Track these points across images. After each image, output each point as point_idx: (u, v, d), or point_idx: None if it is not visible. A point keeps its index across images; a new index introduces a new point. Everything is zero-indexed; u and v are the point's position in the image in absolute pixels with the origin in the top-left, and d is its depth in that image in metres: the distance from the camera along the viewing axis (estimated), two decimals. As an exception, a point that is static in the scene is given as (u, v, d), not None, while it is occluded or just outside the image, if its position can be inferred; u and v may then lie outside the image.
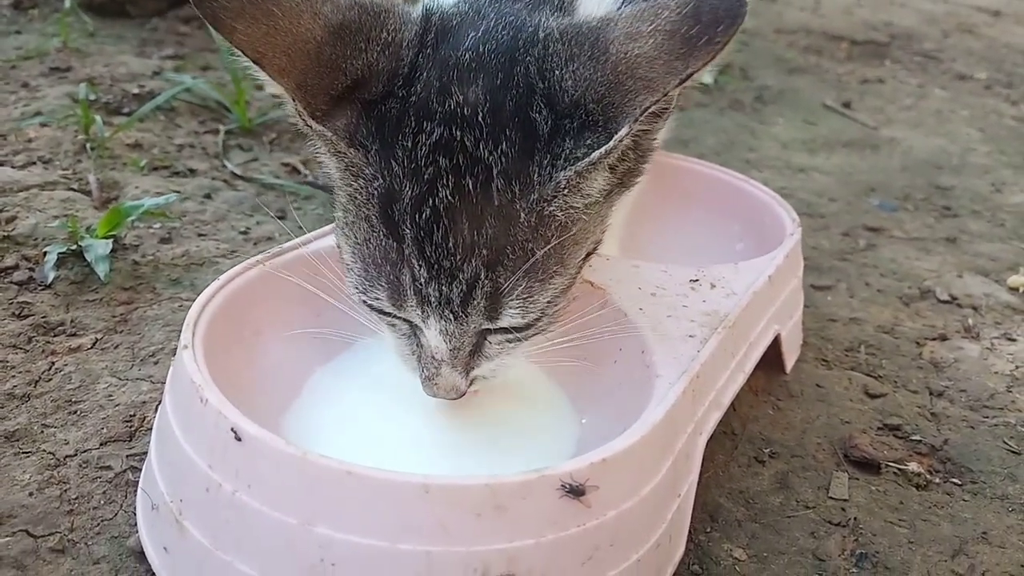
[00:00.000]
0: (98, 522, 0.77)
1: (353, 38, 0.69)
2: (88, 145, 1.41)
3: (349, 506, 0.61)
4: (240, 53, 0.65)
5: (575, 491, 0.62)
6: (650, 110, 0.64)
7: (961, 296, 1.32)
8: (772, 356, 1.02)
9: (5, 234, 1.14)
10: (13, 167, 1.32)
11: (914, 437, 0.97)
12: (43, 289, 1.07)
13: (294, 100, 0.66)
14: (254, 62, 0.65)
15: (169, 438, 0.70)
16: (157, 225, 1.22)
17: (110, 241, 1.10)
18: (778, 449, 0.94)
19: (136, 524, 0.75)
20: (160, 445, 0.73)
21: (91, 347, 0.99)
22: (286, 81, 0.66)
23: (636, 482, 0.68)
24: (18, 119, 1.47)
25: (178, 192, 1.32)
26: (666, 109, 0.66)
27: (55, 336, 1.00)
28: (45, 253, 1.10)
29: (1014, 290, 1.36)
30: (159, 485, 0.70)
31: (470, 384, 0.74)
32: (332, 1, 0.69)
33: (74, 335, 1.01)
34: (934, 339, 1.19)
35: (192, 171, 1.42)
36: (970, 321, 1.23)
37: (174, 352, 0.98)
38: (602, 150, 0.65)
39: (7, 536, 0.74)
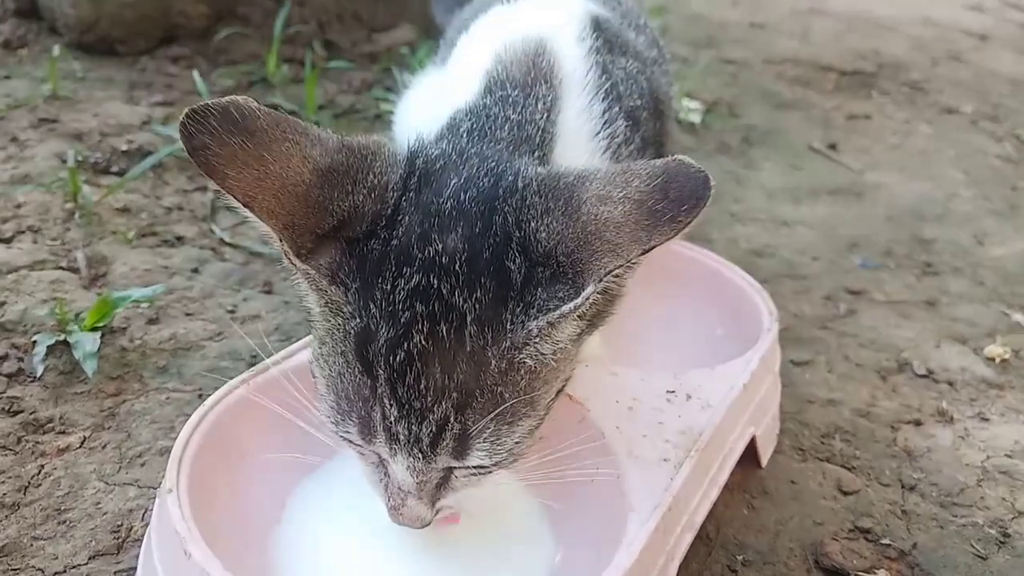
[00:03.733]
0: (86, 649, 0.79)
1: (340, 180, 0.71)
2: (76, 213, 1.42)
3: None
4: (231, 198, 0.66)
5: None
6: (614, 273, 0.66)
7: (938, 370, 1.35)
8: (749, 450, 1.04)
9: (-6, 321, 1.16)
10: (3, 240, 1.33)
11: (884, 540, 0.99)
12: (32, 381, 1.08)
13: (280, 240, 0.68)
14: (244, 205, 0.66)
15: (155, 583, 0.72)
16: (145, 305, 1.24)
17: (98, 336, 1.12)
18: (751, 556, 0.96)
19: (123, 652, 0.77)
20: (146, 587, 0.75)
21: (79, 446, 1.01)
22: (274, 223, 0.67)
23: (607, 629, 0.70)
24: (8, 182, 1.48)
25: (166, 267, 1.33)
26: (636, 263, 0.67)
27: (44, 435, 1.02)
28: (34, 343, 1.12)
29: (991, 360, 1.39)
30: (145, 627, 0.72)
31: (436, 514, 0.76)
32: (321, 144, 0.71)
33: (63, 432, 1.03)
34: (909, 422, 1.21)
35: (180, 239, 1.43)
36: (944, 403, 1.25)
37: (160, 452, 1.01)
38: (571, 305, 0.67)
39: (-3, 669, 0.76)
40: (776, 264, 1.62)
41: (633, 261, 0.65)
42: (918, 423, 1.21)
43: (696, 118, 2.22)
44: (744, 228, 1.75)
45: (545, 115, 0.87)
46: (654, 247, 0.64)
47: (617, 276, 0.67)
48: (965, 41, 3.20)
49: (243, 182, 0.66)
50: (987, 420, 1.23)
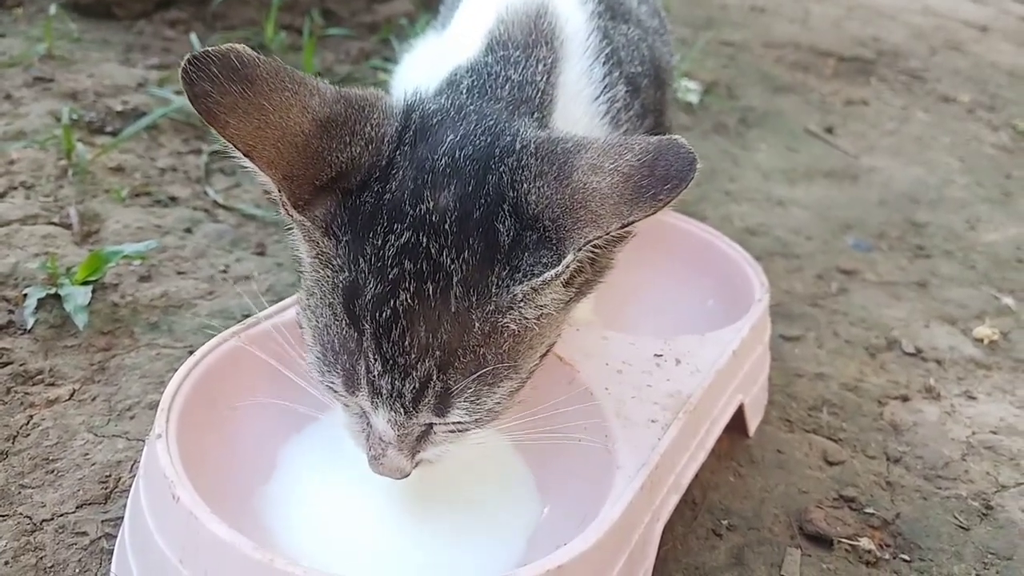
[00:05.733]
0: (73, 593, 0.80)
1: (339, 131, 0.71)
2: (70, 171, 1.41)
3: (313, 612, 0.64)
4: (231, 146, 0.66)
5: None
6: (593, 243, 0.66)
7: (927, 349, 1.35)
8: (737, 419, 1.05)
9: (-15, 273, 1.15)
10: (-6, 194, 1.33)
11: (868, 509, 1.00)
12: (23, 334, 1.08)
13: (279, 191, 0.68)
14: (244, 155, 0.66)
15: (142, 526, 0.72)
16: (137, 263, 1.23)
17: (89, 289, 1.12)
18: (736, 521, 0.97)
19: (109, 597, 0.78)
20: (133, 531, 0.75)
21: (68, 398, 1.01)
22: (273, 173, 0.67)
23: (592, 581, 0.71)
24: (1, 139, 1.47)
25: (159, 226, 1.33)
26: (625, 237, 0.67)
27: (33, 386, 1.02)
28: (25, 296, 1.11)
29: (979, 341, 1.40)
30: (132, 571, 0.73)
31: (415, 465, 0.77)
32: (320, 94, 0.71)
33: (52, 385, 1.02)
34: (896, 398, 1.22)
35: (173, 199, 1.43)
36: (932, 380, 1.26)
37: (150, 406, 1.01)
38: (552, 272, 0.67)
39: (-17, 610, 0.77)
40: (769, 242, 1.63)
41: (612, 234, 0.65)
42: (905, 399, 1.22)
43: (694, 98, 2.22)
44: (738, 207, 1.75)
45: (545, 76, 0.86)
46: (633, 222, 0.64)
47: (597, 247, 0.67)
48: (965, 31, 3.20)
49: (244, 131, 0.66)
50: (974, 398, 1.24)
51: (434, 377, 0.69)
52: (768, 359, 1.14)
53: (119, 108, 1.64)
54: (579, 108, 0.89)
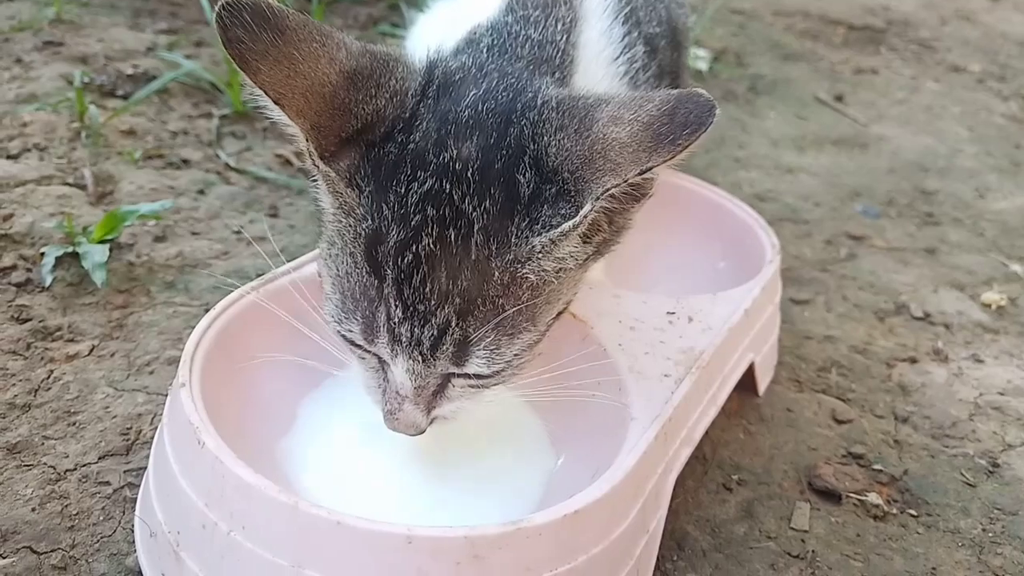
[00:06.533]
0: (98, 539, 0.81)
1: (365, 84, 0.72)
2: (83, 133, 1.42)
3: (337, 553, 0.65)
4: (263, 93, 0.67)
5: None
6: (611, 192, 0.66)
7: (935, 313, 1.36)
8: (747, 379, 1.06)
9: (3, 232, 1.16)
10: (9, 156, 1.33)
11: (876, 466, 1.02)
12: (41, 291, 1.09)
13: (307, 140, 0.69)
14: (275, 102, 0.67)
15: (167, 472, 0.74)
16: (152, 223, 1.24)
17: (106, 247, 1.13)
18: (746, 476, 0.98)
19: (134, 543, 0.79)
20: (158, 477, 0.77)
21: (88, 354, 1.02)
22: (302, 122, 0.68)
23: (607, 528, 0.72)
24: (13, 101, 1.48)
25: (172, 187, 1.34)
26: (644, 195, 0.68)
27: (53, 342, 1.03)
28: (43, 254, 1.12)
29: (987, 307, 1.41)
30: (157, 514, 0.74)
31: (430, 422, 0.78)
32: (346, 47, 0.72)
33: (72, 341, 1.04)
34: (904, 360, 1.23)
35: (186, 162, 1.43)
36: (940, 343, 1.27)
37: (168, 362, 1.03)
38: (571, 223, 0.68)
39: (12, 554, 0.78)
40: (778, 208, 1.63)
41: (630, 180, 0.66)
42: (913, 361, 1.23)
43: (703, 65, 2.21)
44: (748, 173, 1.75)
45: (565, 36, 0.87)
46: (651, 167, 0.65)
47: (614, 196, 0.68)
48: (976, 1, 3.18)
49: (274, 79, 0.67)
50: (981, 361, 1.25)
51: (453, 324, 0.70)
52: (778, 320, 1.15)
53: (129, 72, 1.64)
54: (599, 68, 0.89)
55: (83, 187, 1.30)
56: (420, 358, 0.71)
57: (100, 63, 1.66)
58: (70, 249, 1.13)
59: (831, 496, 0.96)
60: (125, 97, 1.57)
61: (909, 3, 3.01)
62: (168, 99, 1.61)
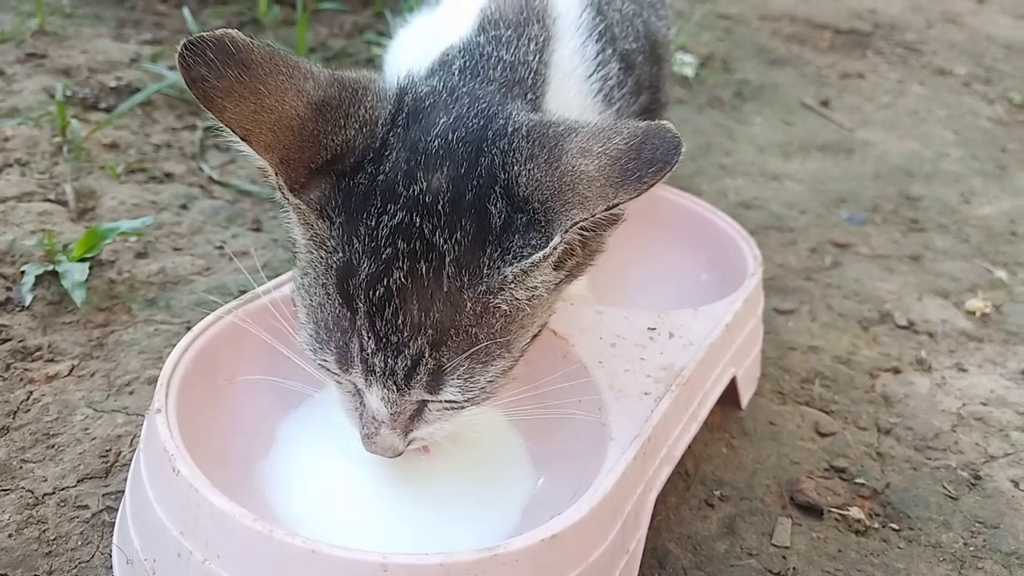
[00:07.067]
0: (76, 565, 0.81)
1: (334, 114, 0.72)
2: (65, 148, 1.41)
3: (313, 582, 0.65)
4: (228, 130, 0.67)
5: None
6: (579, 225, 0.66)
7: (919, 321, 1.36)
8: (729, 392, 1.06)
9: (-18, 251, 1.16)
10: (-10, 172, 1.33)
11: (858, 480, 1.02)
12: (21, 311, 1.09)
13: (276, 174, 0.68)
14: (242, 139, 0.67)
15: (143, 499, 0.73)
16: (133, 239, 1.24)
17: (86, 265, 1.12)
18: (728, 491, 0.98)
19: (112, 568, 0.79)
20: (134, 503, 0.76)
21: (68, 374, 1.02)
22: (270, 156, 0.68)
23: (585, 551, 0.72)
24: (-6, 115, 1.47)
25: (154, 202, 1.33)
26: (615, 221, 0.68)
27: (32, 362, 1.03)
28: (23, 273, 1.12)
29: (971, 314, 1.41)
30: (134, 542, 0.74)
31: (408, 445, 0.78)
32: (314, 78, 0.72)
33: (51, 361, 1.03)
34: (888, 370, 1.23)
35: (169, 175, 1.43)
36: (923, 352, 1.27)
37: (149, 381, 1.02)
38: (541, 254, 0.68)
39: (-12, 581, 0.78)
40: (764, 216, 1.63)
41: (598, 216, 0.66)
42: (897, 371, 1.23)
43: (689, 71, 2.21)
44: (733, 181, 1.75)
45: (537, 56, 0.87)
46: (618, 204, 0.65)
47: (585, 230, 0.68)
48: (961, 4, 3.19)
49: (240, 115, 0.66)
50: (965, 370, 1.26)
51: (426, 355, 0.70)
52: (761, 333, 1.15)
53: (112, 84, 1.64)
54: (572, 87, 0.89)
55: (64, 203, 1.29)
56: (394, 387, 0.72)
57: (83, 75, 1.66)
58: (50, 267, 1.12)
59: (813, 511, 0.96)
60: (108, 110, 1.56)
61: (895, 6, 3.02)
62: (152, 111, 1.61)
